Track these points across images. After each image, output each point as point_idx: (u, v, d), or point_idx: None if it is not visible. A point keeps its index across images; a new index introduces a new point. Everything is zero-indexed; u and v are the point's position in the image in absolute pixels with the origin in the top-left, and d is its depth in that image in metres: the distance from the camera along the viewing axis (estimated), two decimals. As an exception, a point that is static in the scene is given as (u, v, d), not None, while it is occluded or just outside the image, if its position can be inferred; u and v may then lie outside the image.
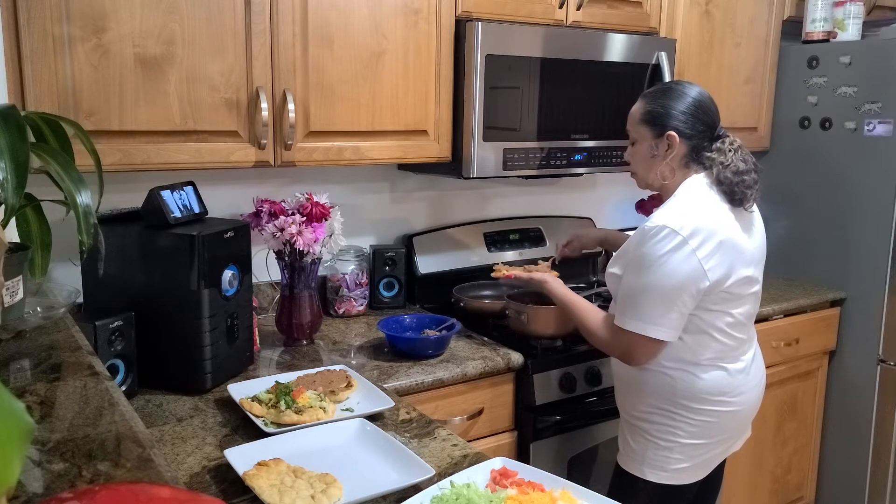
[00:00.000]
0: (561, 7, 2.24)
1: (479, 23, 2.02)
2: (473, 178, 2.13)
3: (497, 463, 1.27)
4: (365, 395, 1.60)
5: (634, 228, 1.76)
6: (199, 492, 1.02)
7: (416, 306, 2.41)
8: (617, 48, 2.30)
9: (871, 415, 2.74)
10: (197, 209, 1.70)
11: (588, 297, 1.86)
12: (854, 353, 2.79)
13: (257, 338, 1.89)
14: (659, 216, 1.63)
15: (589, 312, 1.76)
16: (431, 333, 1.99)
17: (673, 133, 1.68)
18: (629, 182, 1.88)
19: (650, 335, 1.61)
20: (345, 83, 1.93)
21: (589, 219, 2.83)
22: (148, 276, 1.63)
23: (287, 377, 1.63)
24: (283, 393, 1.50)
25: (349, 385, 1.60)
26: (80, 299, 1.62)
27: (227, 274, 1.66)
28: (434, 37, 2.04)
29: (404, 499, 1.15)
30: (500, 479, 1.23)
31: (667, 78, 2.36)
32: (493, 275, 2.07)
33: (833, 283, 2.81)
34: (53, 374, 1.06)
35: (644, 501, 1.74)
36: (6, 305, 1.11)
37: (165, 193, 1.62)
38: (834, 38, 2.79)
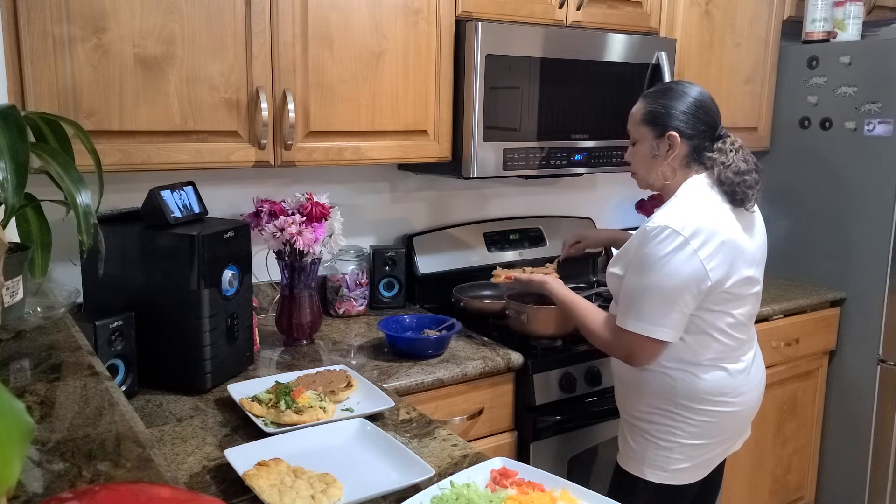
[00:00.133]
0: (561, 7, 2.24)
1: (479, 23, 2.02)
2: (473, 178, 2.13)
3: (497, 463, 1.27)
4: (365, 395, 1.59)
5: (636, 228, 1.76)
6: (199, 492, 1.02)
7: (416, 306, 2.41)
8: (617, 48, 2.30)
9: (871, 415, 2.74)
10: (197, 209, 1.70)
11: (588, 297, 1.86)
12: (854, 353, 2.79)
13: (257, 338, 1.89)
14: (660, 216, 1.63)
15: (590, 313, 1.76)
16: (431, 333, 1.99)
17: (674, 133, 1.68)
18: (629, 182, 1.88)
19: (652, 336, 1.61)
20: (345, 83, 1.92)
21: (589, 219, 2.83)
22: (148, 276, 1.63)
23: (287, 377, 1.63)
24: (283, 393, 1.50)
25: (349, 385, 1.60)
26: (80, 299, 1.62)
27: (227, 274, 1.66)
28: (434, 37, 2.04)
29: (404, 499, 1.15)
30: (500, 479, 1.23)
31: (667, 78, 2.36)
32: (492, 280, 2.07)
33: (833, 283, 2.81)
34: (53, 374, 1.06)
35: (644, 501, 1.74)
36: (6, 305, 1.11)
37: (165, 193, 1.62)
38: (834, 38, 2.79)
